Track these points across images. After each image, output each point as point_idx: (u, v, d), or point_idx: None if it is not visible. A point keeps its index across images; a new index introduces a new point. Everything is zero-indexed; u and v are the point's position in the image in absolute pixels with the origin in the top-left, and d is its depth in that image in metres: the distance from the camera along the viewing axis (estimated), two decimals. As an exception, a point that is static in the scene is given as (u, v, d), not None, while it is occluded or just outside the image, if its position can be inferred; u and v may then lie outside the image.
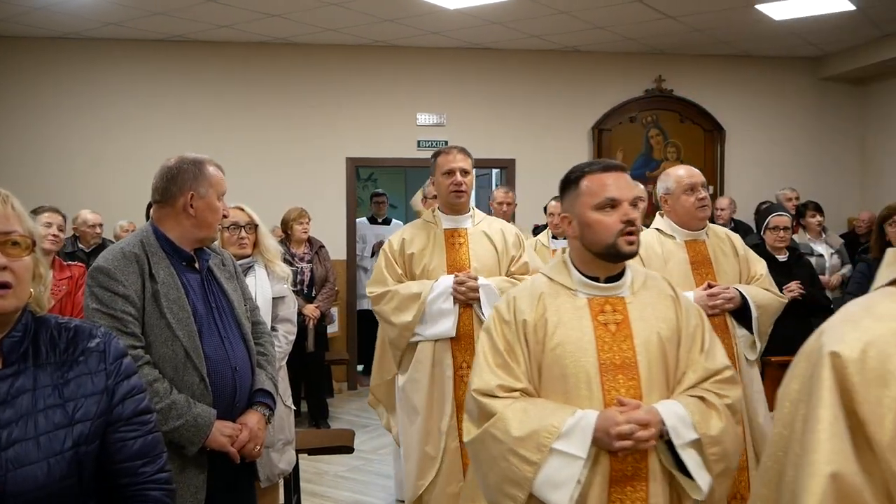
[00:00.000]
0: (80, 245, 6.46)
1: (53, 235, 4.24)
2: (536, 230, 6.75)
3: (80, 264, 4.38)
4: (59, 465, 1.54)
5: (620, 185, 2.19)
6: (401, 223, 8.65)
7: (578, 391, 2.13)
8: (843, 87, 9.04)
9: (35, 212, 4.27)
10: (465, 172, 3.70)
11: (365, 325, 8.37)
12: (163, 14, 6.95)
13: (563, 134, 8.57)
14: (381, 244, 8.29)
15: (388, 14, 7.07)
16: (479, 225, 3.83)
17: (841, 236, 7.45)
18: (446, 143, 8.45)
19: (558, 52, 8.51)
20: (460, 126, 8.38)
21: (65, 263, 4.28)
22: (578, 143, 8.64)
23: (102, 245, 6.34)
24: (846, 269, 6.47)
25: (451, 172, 3.70)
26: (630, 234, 2.16)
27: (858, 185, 9.08)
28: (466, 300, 3.60)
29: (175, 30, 7.50)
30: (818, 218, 6.59)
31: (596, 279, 2.24)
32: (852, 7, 6.84)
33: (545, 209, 7.81)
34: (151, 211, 2.72)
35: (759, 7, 6.86)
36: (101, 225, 6.51)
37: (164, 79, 7.96)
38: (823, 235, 6.69)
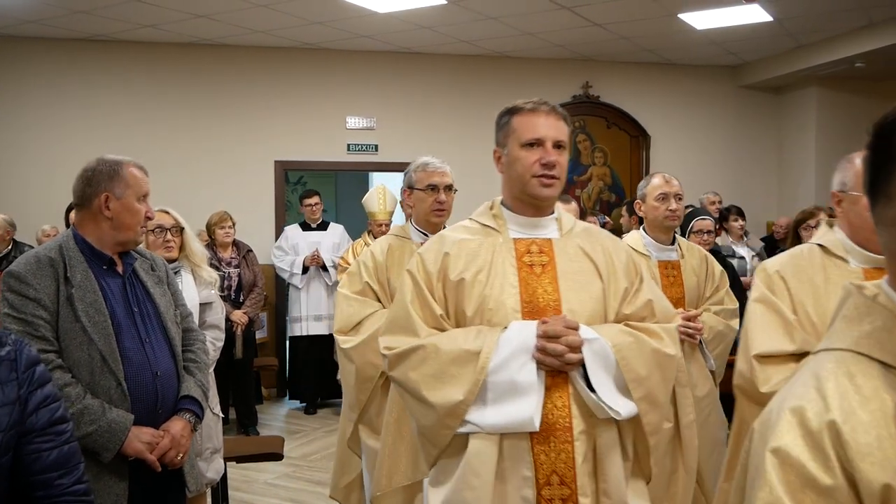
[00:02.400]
0: (-6, 250, 6.25)
1: None
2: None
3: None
4: (-31, 478, 1.48)
5: None
6: (340, 227, 7.65)
7: None
8: (761, 95, 9.35)
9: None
10: (559, 146, 2.23)
11: (299, 354, 7.36)
12: (85, 13, 6.76)
13: (493, 138, 8.60)
14: (315, 258, 7.14)
15: (318, 17, 7.02)
16: (570, 234, 2.31)
17: (760, 239, 7.71)
18: (376, 147, 8.43)
19: (487, 58, 8.58)
20: (390, 130, 8.38)
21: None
22: (508, 147, 8.71)
23: (14, 249, 6.14)
24: (765, 272, 6.70)
25: (538, 143, 2.23)
26: None
27: (776, 189, 9.40)
28: (561, 367, 2.07)
29: (98, 29, 7.30)
30: (740, 222, 6.85)
31: None
32: (770, 18, 7.08)
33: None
34: (72, 215, 2.66)
35: (681, 16, 7.05)
36: (6, 228, 6.27)
37: (86, 79, 7.73)
38: (745, 239, 6.95)
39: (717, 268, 3.66)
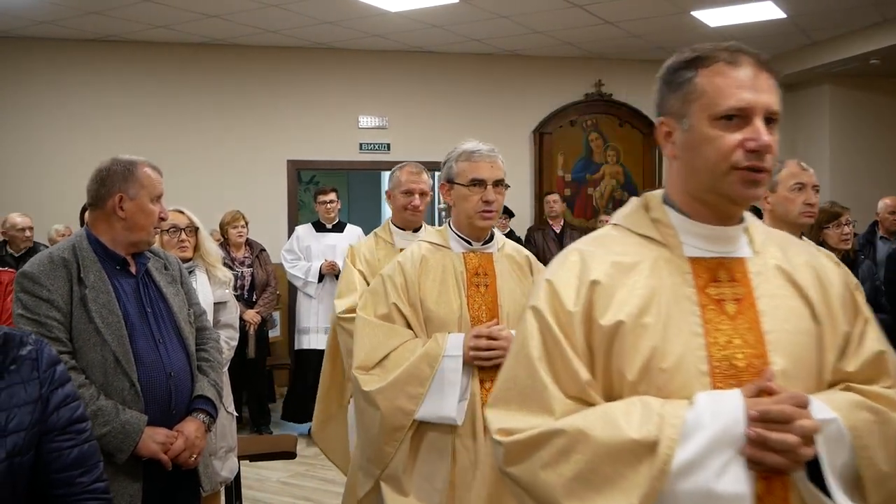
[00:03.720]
0: (10, 250, 6.28)
1: None
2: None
3: (9, 270, 4.25)
4: (-9, 476, 1.49)
5: None
6: (358, 229, 6.64)
7: None
8: (774, 93, 9.29)
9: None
10: (771, 119, 1.42)
11: (305, 367, 6.30)
12: (97, 13, 6.79)
13: (505, 137, 8.59)
14: (331, 266, 6.22)
15: (329, 16, 7.03)
16: (764, 249, 1.52)
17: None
18: (388, 146, 8.45)
19: (499, 56, 8.57)
20: (402, 129, 8.39)
21: (-4, 269, 4.16)
22: (519, 146, 8.72)
23: (33, 249, 6.17)
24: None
25: (742, 116, 1.39)
26: None
27: (790, 187, 9.33)
28: (787, 467, 1.31)
29: (110, 29, 7.33)
30: (753, 221, 6.81)
31: None
32: (783, 15, 7.05)
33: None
34: (86, 215, 2.66)
35: (694, 14, 7.02)
36: (30, 228, 6.33)
37: (99, 79, 7.77)
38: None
39: (851, 280, 2.89)
